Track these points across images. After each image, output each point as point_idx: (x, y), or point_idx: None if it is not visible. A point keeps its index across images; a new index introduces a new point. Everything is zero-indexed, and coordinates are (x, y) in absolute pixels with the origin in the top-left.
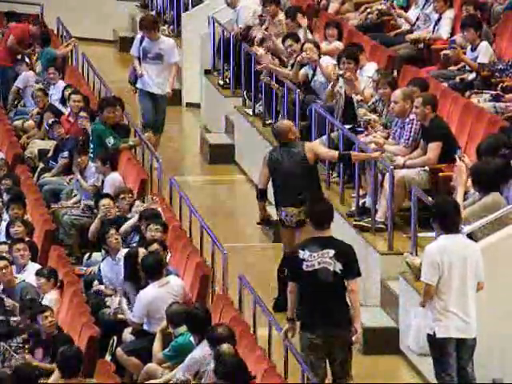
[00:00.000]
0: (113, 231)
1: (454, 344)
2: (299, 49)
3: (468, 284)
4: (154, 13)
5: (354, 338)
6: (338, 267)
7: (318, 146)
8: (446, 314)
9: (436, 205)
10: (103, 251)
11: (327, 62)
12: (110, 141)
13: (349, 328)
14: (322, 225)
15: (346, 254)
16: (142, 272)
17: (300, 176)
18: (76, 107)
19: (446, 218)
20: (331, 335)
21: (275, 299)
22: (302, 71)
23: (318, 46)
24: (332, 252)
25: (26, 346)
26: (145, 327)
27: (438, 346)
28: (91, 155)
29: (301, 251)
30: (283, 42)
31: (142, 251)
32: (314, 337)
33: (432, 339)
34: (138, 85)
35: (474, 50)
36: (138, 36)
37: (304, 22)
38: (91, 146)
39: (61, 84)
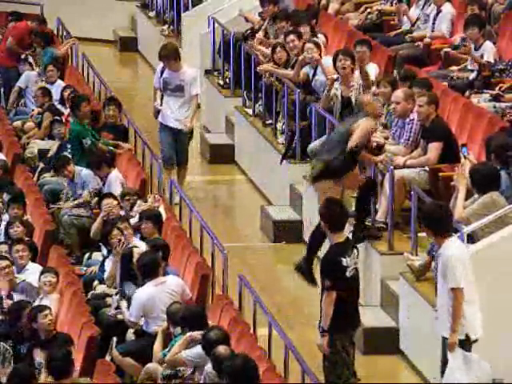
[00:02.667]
0: (116, 231)
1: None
2: (301, 46)
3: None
4: (153, 13)
5: None
6: (358, 264)
7: (356, 132)
8: (474, 315)
9: (427, 211)
10: (104, 250)
11: (329, 62)
12: (87, 142)
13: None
14: (343, 228)
15: (358, 251)
16: (138, 272)
17: (335, 142)
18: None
19: (446, 222)
20: (356, 330)
21: (299, 262)
22: (303, 71)
23: (318, 46)
24: (356, 251)
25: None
26: (143, 327)
27: (466, 349)
28: (71, 157)
29: (343, 259)
30: (285, 37)
31: (136, 251)
32: (349, 335)
33: (468, 342)
34: (159, 118)
35: (477, 49)
36: (159, 67)
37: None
38: (68, 146)
39: (60, 83)
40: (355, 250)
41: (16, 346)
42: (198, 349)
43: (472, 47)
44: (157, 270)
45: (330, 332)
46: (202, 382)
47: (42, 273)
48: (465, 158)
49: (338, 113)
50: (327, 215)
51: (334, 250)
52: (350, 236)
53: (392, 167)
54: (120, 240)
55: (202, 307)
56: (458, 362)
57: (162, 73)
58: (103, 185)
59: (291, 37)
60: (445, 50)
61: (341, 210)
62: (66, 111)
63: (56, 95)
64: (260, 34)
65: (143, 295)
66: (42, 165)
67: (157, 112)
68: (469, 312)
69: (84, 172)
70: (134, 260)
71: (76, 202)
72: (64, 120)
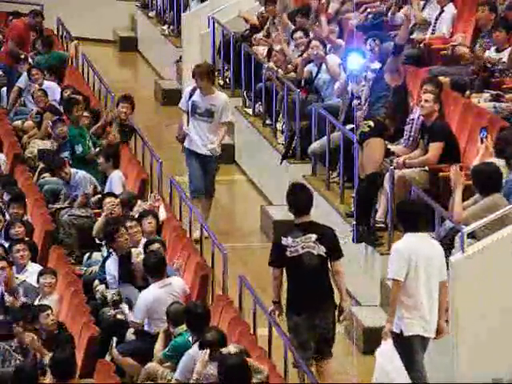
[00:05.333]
0: (123, 230)
1: (420, 341)
2: (307, 43)
3: (433, 283)
4: (153, 13)
5: (341, 317)
6: (322, 250)
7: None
8: (413, 313)
9: (402, 206)
10: (105, 249)
11: (334, 60)
12: (79, 148)
13: (332, 309)
14: (303, 212)
15: (328, 237)
16: (145, 272)
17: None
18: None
19: (411, 219)
20: (316, 317)
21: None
22: (306, 68)
23: (324, 44)
24: (314, 236)
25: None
26: (144, 327)
27: (405, 344)
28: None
29: (283, 238)
30: (292, 35)
31: (134, 251)
32: (300, 319)
33: (399, 338)
34: (186, 143)
35: (499, 51)
36: (188, 88)
37: None
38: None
39: (48, 85)
40: (313, 235)
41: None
42: (183, 360)
43: (493, 48)
44: (163, 271)
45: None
46: (202, 382)
47: (40, 274)
48: (482, 141)
49: (346, 109)
50: (291, 199)
51: (283, 229)
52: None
53: (392, 167)
54: (126, 238)
55: (204, 307)
56: (385, 352)
57: (190, 95)
58: (104, 183)
59: (298, 34)
60: (452, 43)
61: (306, 195)
62: None
63: (52, 96)
64: (260, 35)
65: (149, 297)
66: (41, 165)
67: (183, 136)
68: (408, 309)
69: (78, 174)
70: (133, 260)
71: (75, 205)
72: (66, 120)
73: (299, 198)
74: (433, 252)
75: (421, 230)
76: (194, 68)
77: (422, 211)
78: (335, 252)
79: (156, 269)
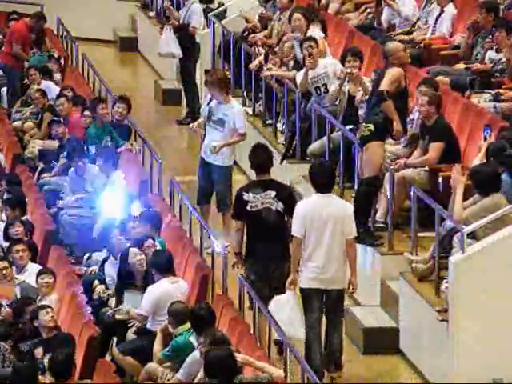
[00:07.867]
0: (116, 231)
1: (316, 293)
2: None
3: (330, 240)
4: (153, 13)
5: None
6: (280, 206)
7: (385, 78)
8: (307, 266)
9: (312, 168)
10: (105, 251)
11: (330, 63)
12: (92, 149)
13: (286, 262)
14: (263, 169)
15: (286, 194)
16: (155, 269)
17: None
18: (62, 111)
19: (317, 179)
20: (271, 265)
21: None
22: (287, 45)
23: (316, 42)
24: (273, 193)
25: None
26: (147, 325)
27: (302, 296)
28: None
29: (245, 193)
30: (301, 44)
31: (132, 251)
32: (258, 266)
33: (300, 289)
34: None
35: (499, 51)
36: (209, 94)
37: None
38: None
39: (47, 84)
40: (272, 192)
41: (16, 343)
42: (187, 362)
43: (494, 48)
44: (172, 268)
45: None
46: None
47: (38, 274)
48: (485, 139)
49: (343, 111)
50: (253, 157)
51: (243, 186)
52: None
53: (392, 167)
54: (119, 239)
55: (210, 310)
56: (277, 301)
57: (210, 100)
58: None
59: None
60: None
61: (266, 155)
62: None
63: (48, 96)
64: (260, 35)
65: (160, 290)
66: (42, 165)
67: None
68: (304, 262)
69: (95, 168)
70: (129, 261)
71: (79, 196)
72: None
73: (260, 156)
74: (336, 211)
75: (327, 191)
76: (206, 76)
77: (330, 174)
78: (290, 209)
79: (167, 267)
